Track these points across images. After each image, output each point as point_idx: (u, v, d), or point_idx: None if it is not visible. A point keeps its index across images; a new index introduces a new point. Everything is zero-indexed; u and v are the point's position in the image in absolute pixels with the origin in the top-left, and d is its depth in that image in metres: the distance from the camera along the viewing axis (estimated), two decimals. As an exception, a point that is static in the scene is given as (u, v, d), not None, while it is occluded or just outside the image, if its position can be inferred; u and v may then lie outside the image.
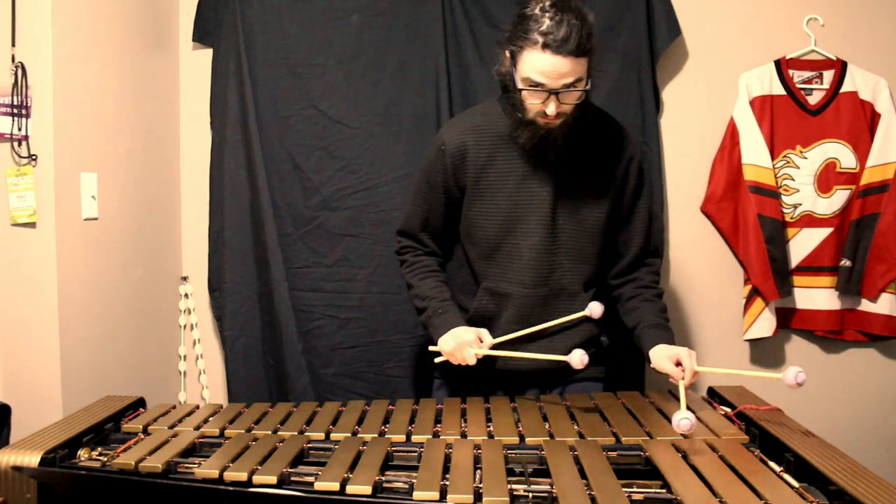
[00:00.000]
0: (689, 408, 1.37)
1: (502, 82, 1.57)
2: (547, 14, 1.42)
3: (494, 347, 1.61)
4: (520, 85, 1.48)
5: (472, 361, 1.58)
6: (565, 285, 1.64)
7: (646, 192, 1.70)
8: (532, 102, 1.49)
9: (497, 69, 1.57)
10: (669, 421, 1.42)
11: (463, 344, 1.58)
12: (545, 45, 1.41)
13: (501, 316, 1.66)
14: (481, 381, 1.68)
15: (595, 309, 1.63)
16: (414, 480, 1.16)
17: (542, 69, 1.43)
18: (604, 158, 1.64)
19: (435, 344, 1.65)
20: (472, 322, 1.68)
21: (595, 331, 1.69)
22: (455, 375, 1.70)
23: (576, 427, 1.41)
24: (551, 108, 1.47)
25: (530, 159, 1.60)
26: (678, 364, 1.50)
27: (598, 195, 1.63)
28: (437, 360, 1.67)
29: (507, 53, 1.52)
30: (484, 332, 1.61)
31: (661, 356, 1.53)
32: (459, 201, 1.67)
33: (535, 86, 1.46)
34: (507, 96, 1.58)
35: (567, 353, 1.53)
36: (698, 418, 1.44)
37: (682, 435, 1.32)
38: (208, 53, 2.34)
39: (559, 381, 1.70)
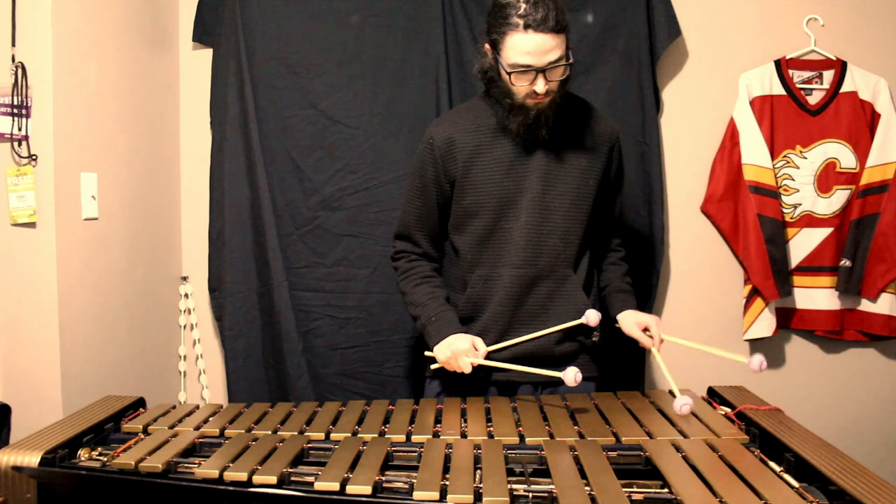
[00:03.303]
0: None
1: (485, 78, 1.64)
2: None
3: (489, 356, 1.63)
4: (507, 70, 1.55)
5: (468, 370, 1.60)
6: (556, 267, 1.67)
7: (623, 173, 1.81)
8: (521, 85, 1.56)
9: (477, 68, 1.65)
10: (669, 421, 1.43)
11: (458, 353, 1.60)
12: (527, 26, 1.50)
13: (492, 299, 1.68)
14: (474, 376, 1.69)
15: (591, 317, 1.65)
16: (414, 480, 1.16)
17: (528, 49, 1.51)
18: (589, 141, 1.70)
19: (431, 350, 1.68)
20: (464, 310, 1.71)
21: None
22: (448, 374, 1.73)
23: (576, 427, 1.41)
24: (540, 86, 1.54)
25: (518, 146, 1.65)
26: (646, 330, 1.67)
27: (586, 177, 1.68)
28: (432, 366, 1.69)
29: (488, 46, 1.59)
30: (478, 341, 1.64)
31: (631, 322, 1.70)
32: (450, 196, 1.71)
33: (523, 67, 1.53)
34: (493, 88, 1.64)
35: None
36: (701, 421, 1.45)
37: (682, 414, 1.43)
38: (208, 53, 2.34)
39: (556, 383, 1.71)
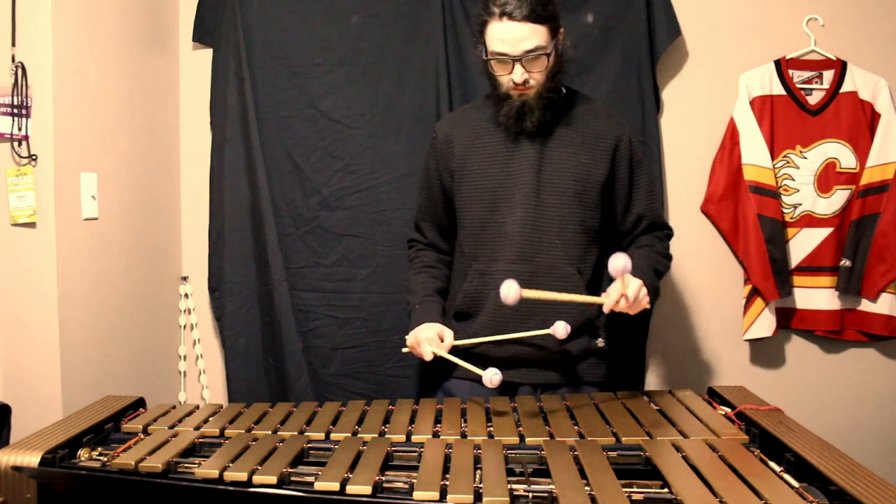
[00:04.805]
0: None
1: (483, 71, 1.67)
2: None
3: (456, 349, 1.64)
4: (487, 57, 1.60)
5: (428, 358, 1.63)
6: (554, 264, 1.66)
7: (644, 169, 1.74)
8: (500, 74, 1.61)
9: (477, 57, 1.68)
10: (669, 421, 1.43)
11: (421, 340, 1.64)
12: (502, 14, 1.54)
13: (489, 296, 1.68)
14: (436, 367, 1.70)
15: (559, 329, 1.61)
16: (414, 480, 1.16)
17: (502, 37, 1.55)
18: (590, 139, 1.69)
19: None
20: (462, 305, 1.71)
21: (587, 315, 1.68)
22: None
23: (576, 427, 1.41)
24: (517, 75, 1.58)
25: (513, 141, 1.67)
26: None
27: (585, 175, 1.67)
28: (403, 349, 1.74)
29: (480, 37, 1.63)
30: (447, 333, 1.66)
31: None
32: (452, 189, 1.75)
33: (500, 55, 1.57)
34: (488, 80, 1.67)
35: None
36: (701, 421, 1.45)
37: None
38: (208, 53, 2.34)
39: (558, 385, 1.70)
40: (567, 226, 1.66)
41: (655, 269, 1.66)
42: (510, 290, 1.48)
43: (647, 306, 1.56)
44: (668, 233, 1.79)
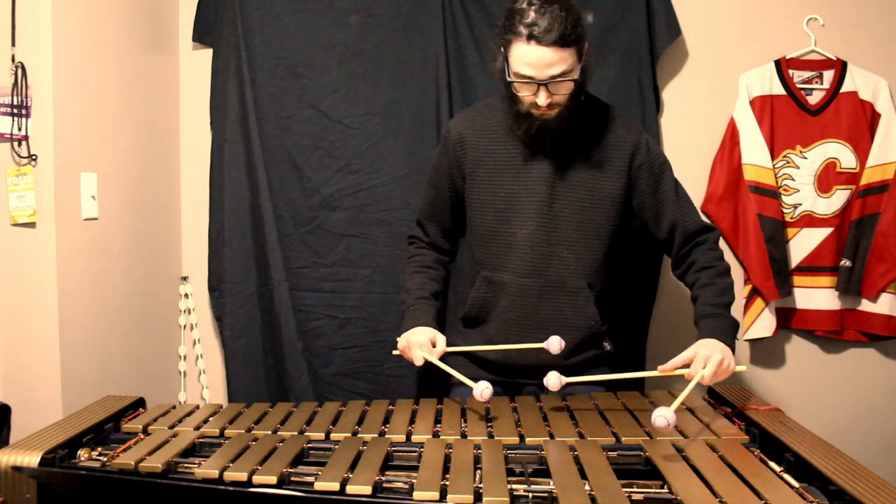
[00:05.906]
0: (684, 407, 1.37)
1: (500, 78, 1.61)
2: (532, 7, 1.46)
3: (447, 356, 1.64)
4: (511, 78, 1.52)
5: (419, 363, 1.60)
6: (566, 279, 1.64)
7: (666, 173, 1.67)
8: (524, 95, 1.53)
9: (494, 66, 1.61)
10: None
11: (412, 345, 1.61)
12: (530, 37, 1.46)
13: (498, 305, 1.67)
14: (430, 372, 1.69)
15: (553, 344, 1.60)
16: (414, 480, 1.16)
17: (529, 60, 1.48)
18: (604, 150, 1.64)
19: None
20: (470, 311, 1.70)
21: (595, 329, 1.68)
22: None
23: (576, 427, 1.41)
24: (542, 99, 1.51)
25: (528, 150, 1.63)
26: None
27: (600, 187, 1.64)
28: (394, 352, 1.72)
29: (500, 49, 1.56)
30: (439, 338, 1.63)
31: (689, 349, 1.48)
32: (463, 190, 1.71)
33: (525, 78, 1.50)
34: (506, 91, 1.61)
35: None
36: (701, 421, 1.45)
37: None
38: (208, 53, 2.34)
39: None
40: (579, 239, 1.63)
41: (726, 304, 1.58)
42: (551, 381, 1.49)
43: (735, 370, 1.47)
44: (713, 236, 1.68)
